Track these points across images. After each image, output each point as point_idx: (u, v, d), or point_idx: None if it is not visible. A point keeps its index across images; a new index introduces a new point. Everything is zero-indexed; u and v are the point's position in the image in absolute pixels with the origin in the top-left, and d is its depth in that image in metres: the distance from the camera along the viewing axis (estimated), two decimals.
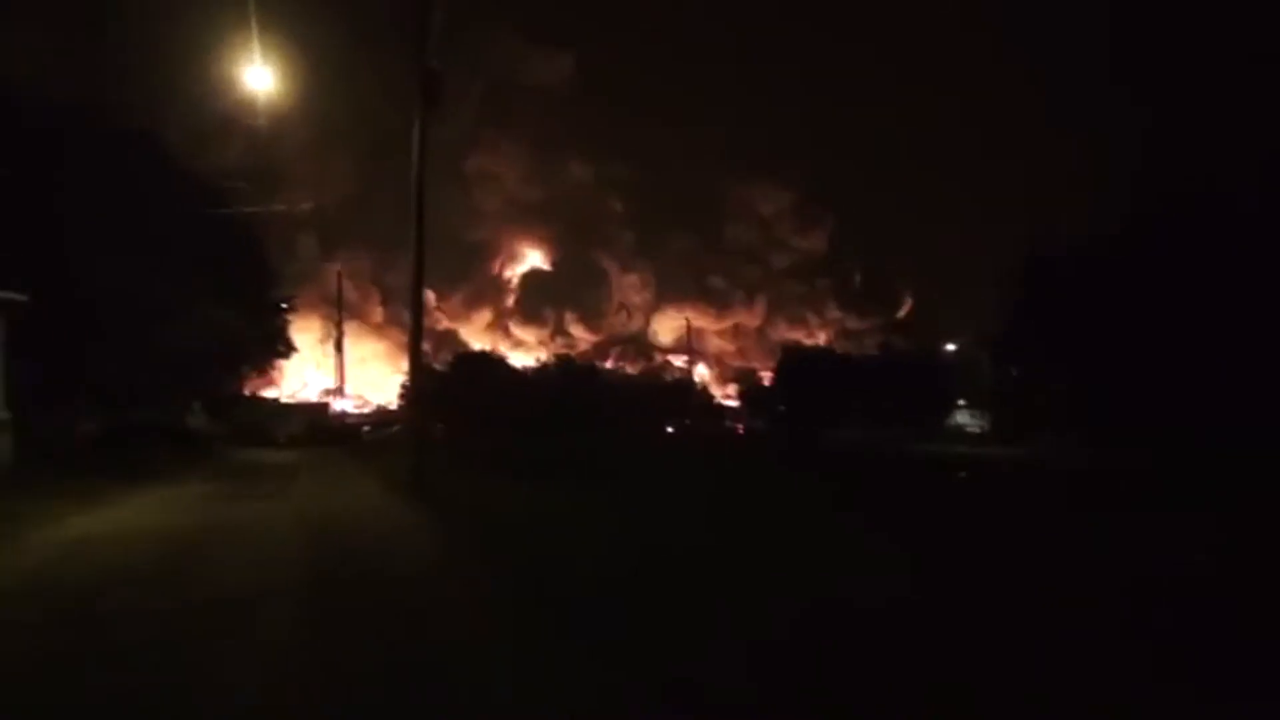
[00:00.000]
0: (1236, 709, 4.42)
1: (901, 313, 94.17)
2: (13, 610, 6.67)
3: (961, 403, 56.15)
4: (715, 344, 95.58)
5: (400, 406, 52.12)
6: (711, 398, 74.27)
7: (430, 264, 18.77)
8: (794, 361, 60.00)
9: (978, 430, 51.51)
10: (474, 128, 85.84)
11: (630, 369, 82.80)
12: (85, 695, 4.66)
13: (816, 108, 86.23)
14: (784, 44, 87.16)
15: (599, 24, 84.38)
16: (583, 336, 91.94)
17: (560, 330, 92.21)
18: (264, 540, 10.63)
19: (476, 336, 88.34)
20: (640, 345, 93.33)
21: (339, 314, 57.32)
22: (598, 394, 54.02)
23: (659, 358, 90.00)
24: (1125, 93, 72.60)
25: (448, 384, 47.25)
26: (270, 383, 56.66)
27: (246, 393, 46.22)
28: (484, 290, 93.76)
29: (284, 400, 60.57)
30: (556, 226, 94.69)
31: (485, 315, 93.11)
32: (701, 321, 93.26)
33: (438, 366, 53.25)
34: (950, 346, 61.15)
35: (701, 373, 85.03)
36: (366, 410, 67.31)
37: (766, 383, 66.85)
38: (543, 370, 60.56)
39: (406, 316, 20.26)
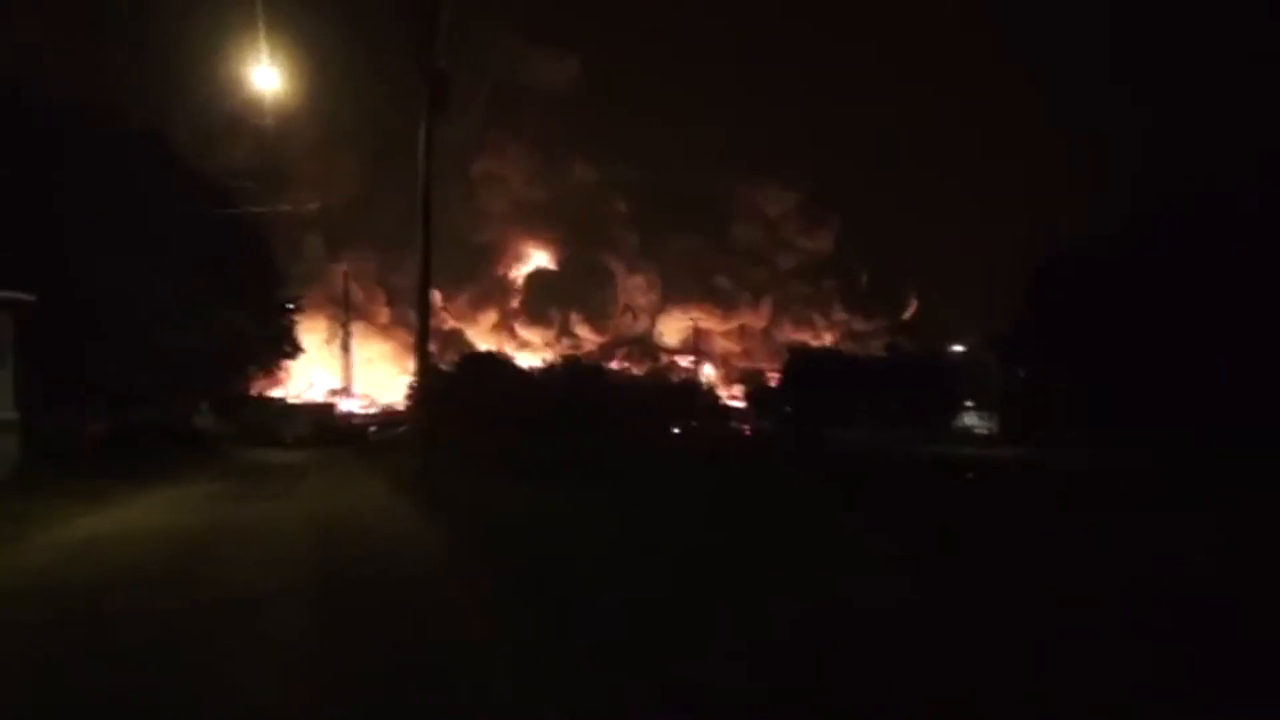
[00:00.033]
0: (1237, 709, 4.43)
1: (907, 314, 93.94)
2: (20, 610, 6.71)
3: (969, 404, 56.02)
4: (721, 345, 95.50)
5: (407, 407, 52.20)
6: (718, 398, 74.19)
7: (436, 265, 18.84)
8: (801, 362, 59.93)
9: (985, 432, 51.41)
10: (480, 130, 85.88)
11: (636, 370, 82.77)
12: (92, 696, 4.70)
13: (820, 108, 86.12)
14: (786, 44, 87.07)
15: (603, 25, 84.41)
16: (588, 337, 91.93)
17: (566, 331, 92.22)
18: (271, 541, 10.68)
19: (482, 337, 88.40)
20: (646, 346, 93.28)
21: (346, 314, 57.42)
22: (604, 395, 54.01)
23: (664, 358, 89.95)
24: (1125, 93, 72.50)
25: (454, 384, 47.29)
26: (277, 383, 56.78)
27: (253, 393, 46.34)
28: (490, 291, 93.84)
29: (291, 401, 60.67)
30: (562, 228, 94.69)
31: (491, 316, 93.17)
32: (707, 322, 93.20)
33: (444, 367, 53.30)
34: (957, 348, 61.03)
35: (708, 373, 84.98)
36: (373, 410, 67.44)
37: (773, 384, 66.79)
38: (549, 371, 60.59)
39: (412, 317, 20.32)
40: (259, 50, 19.97)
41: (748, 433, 60.82)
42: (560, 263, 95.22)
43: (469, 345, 79.75)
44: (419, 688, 4.77)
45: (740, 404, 72.50)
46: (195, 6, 51.84)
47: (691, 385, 70.64)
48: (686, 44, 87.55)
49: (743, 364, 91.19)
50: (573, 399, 49.49)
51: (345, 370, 59.09)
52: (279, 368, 44.27)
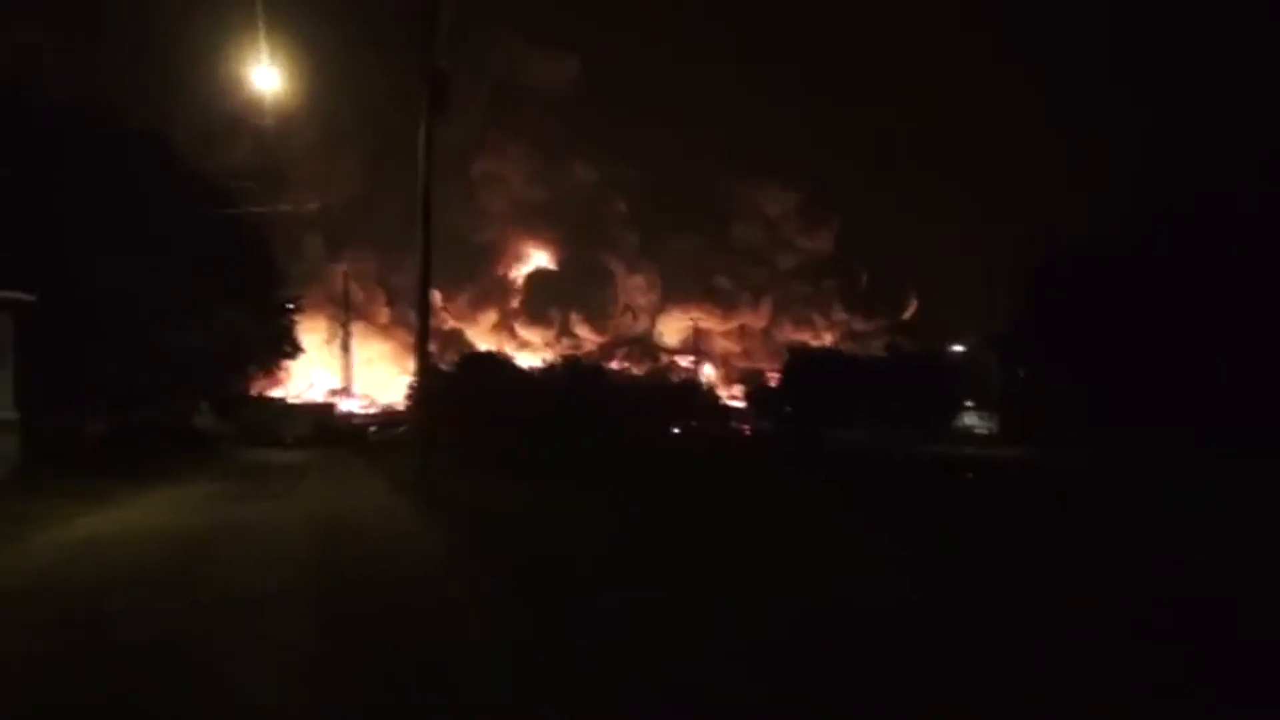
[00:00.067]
0: (1237, 710, 4.42)
1: (907, 314, 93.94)
2: (20, 610, 6.71)
3: (969, 404, 56.03)
4: (721, 345, 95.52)
5: (407, 407, 52.23)
6: (718, 398, 74.19)
7: (436, 265, 18.85)
8: (801, 362, 59.94)
9: (985, 432, 51.42)
10: (480, 130, 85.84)
11: (636, 370, 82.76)
12: (91, 696, 4.70)
13: (819, 108, 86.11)
14: (787, 44, 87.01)
15: (603, 25, 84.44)
16: (588, 337, 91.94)
17: (566, 331, 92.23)
18: (271, 541, 10.69)
19: (482, 337, 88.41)
20: (645, 346, 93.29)
21: (346, 315, 57.42)
22: (604, 395, 54.01)
23: (664, 358, 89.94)
24: (1125, 93, 72.54)
25: (454, 384, 47.29)
26: (277, 383, 56.80)
27: (253, 393, 46.35)
28: (490, 291, 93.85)
29: (291, 401, 60.69)
30: (562, 228, 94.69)
31: (491, 316, 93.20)
32: (707, 322, 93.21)
33: (444, 367, 53.31)
34: (957, 348, 61.05)
35: (708, 373, 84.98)
36: (373, 411, 67.46)
37: (773, 384, 66.79)
38: (549, 371, 60.59)
39: (412, 317, 20.33)
40: (259, 50, 19.96)
41: (748, 433, 60.81)
42: (560, 263, 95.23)
43: (469, 345, 79.76)
44: (418, 687, 4.77)
45: (740, 404, 72.50)
46: (195, 6, 51.88)
47: (692, 385, 70.62)
48: (686, 44, 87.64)
49: (742, 364, 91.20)
50: (573, 399, 49.49)
51: (345, 370, 59.06)
52: (279, 368, 44.29)
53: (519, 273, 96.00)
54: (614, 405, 51.64)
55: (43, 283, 18.22)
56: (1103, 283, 26.36)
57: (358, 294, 76.92)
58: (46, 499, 13.50)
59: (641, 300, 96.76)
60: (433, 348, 20.98)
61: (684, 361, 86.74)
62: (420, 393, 21.33)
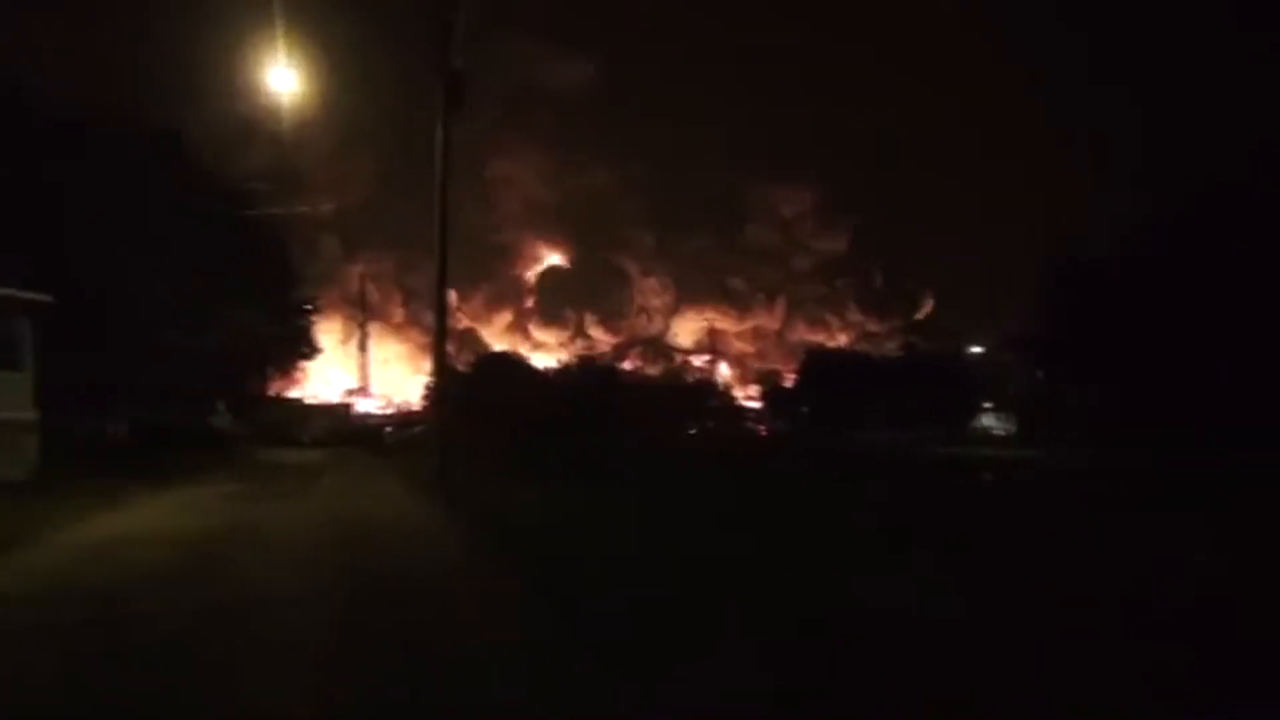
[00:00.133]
0: (1237, 710, 4.39)
1: (921, 314, 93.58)
2: (37, 612, 6.65)
3: (988, 405, 55.73)
4: (735, 346, 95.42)
5: (424, 407, 52.36)
6: (733, 399, 74.04)
7: (452, 265, 18.78)
8: (818, 363, 59.76)
9: (1003, 433, 51.11)
10: (494, 131, 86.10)
11: (650, 370, 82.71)
12: (106, 699, 4.63)
13: (834, 110, 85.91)
14: (802, 46, 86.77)
15: (617, 26, 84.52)
16: (602, 338, 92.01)
17: (580, 332, 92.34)
18: (289, 542, 10.62)
19: (497, 337, 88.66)
20: (659, 347, 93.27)
21: (363, 315, 57.69)
22: (619, 395, 53.97)
23: (679, 359, 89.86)
24: (1141, 92, 72.14)
25: (470, 385, 47.35)
26: (294, 383, 57.03)
27: (271, 394, 46.55)
28: (505, 291, 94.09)
29: (308, 401, 60.94)
30: (576, 229, 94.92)
31: (506, 316, 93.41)
32: (722, 323, 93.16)
33: (460, 367, 53.39)
34: (976, 349, 60.79)
35: (723, 373, 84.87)
36: (389, 411, 67.68)
37: (788, 384, 66.63)
38: (564, 371, 60.61)
39: (428, 317, 20.28)
40: (276, 53, 19.98)
41: (764, 433, 60.66)
42: (575, 264, 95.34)
43: (483, 345, 79.97)
44: (428, 686, 4.70)
45: (755, 404, 72.34)
46: (212, 9, 52.14)
47: (708, 386, 70.52)
48: (701, 45, 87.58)
49: (757, 364, 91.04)
50: (588, 399, 49.46)
51: (362, 370, 59.28)
52: (296, 368, 44.48)
53: (534, 274, 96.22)
54: (629, 406, 51.58)
55: (64, 285, 18.30)
56: (1119, 285, 26.21)
57: (374, 294, 77.29)
58: (65, 499, 13.51)
59: (656, 301, 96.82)
60: (449, 348, 20.92)
61: (698, 361, 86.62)
62: (437, 393, 21.29)
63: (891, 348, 73.57)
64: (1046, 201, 66.79)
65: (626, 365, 79.69)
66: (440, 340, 19.38)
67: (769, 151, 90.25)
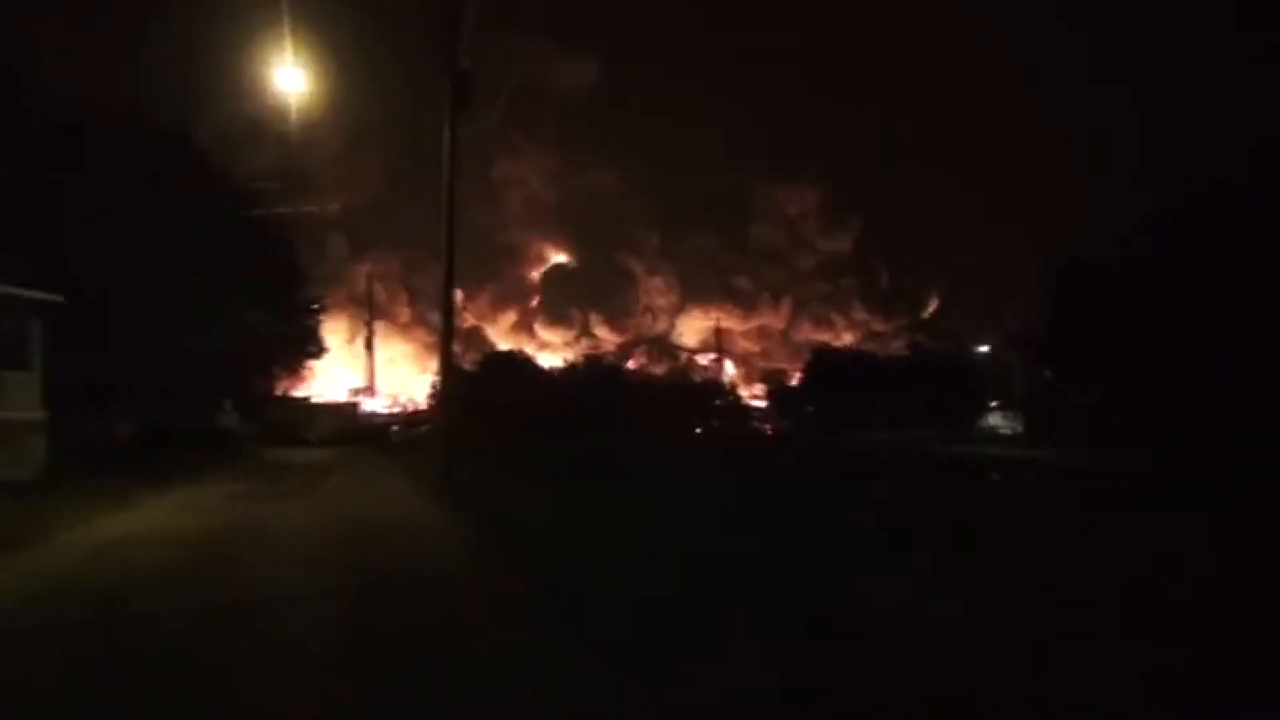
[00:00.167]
0: (1237, 710, 4.40)
1: (926, 313, 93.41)
2: (42, 612, 6.70)
3: (994, 404, 55.61)
4: (741, 345, 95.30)
5: (430, 406, 52.36)
6: (739, 398, 73.96)
7: (458, 264, 18.82)
8: (824, 362, 59.68)
9: (1010, 432, 50.98)
10: (500, 131, 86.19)
11: (656, 369, 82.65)
12: (109, 699, 4.67)
13: (835, 109, 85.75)
14: (807, 45, 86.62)
15: (618, 26, 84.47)
16: (607, 338, 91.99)
17: (585, 331, 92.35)
18: (295, 541, 10.66)
19: (502, 336, 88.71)
20: (664, 346, 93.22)
21: (370, 314, 57.70)
22: (625, 394, 53.93)
23: (684, 358, 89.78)
24: (1124, 92, 72.00)
25: (476, 384, 47.38)
26: (301, 382, 57.13)
27: (278, 393, 46.65)
28: (510, 291, 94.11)
29: (314, 400, 61.03)
30: (581, 228, 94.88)
31: (511, 316, 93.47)
32: (727, 322, 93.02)
33: (466, 366, 53.43)
34: (982, 348, 60.68)
35: (730, 371, 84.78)
36: (395, 410, 67.72)
37: (794, 383, 66.54)
38: (571, 370, 60.58)
39: (434, 317, 20.31)
40: (284, 52, 20.05)
41: (770, 432, 60.60)
42: (580, 263, 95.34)
43: (489, 344, 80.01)
44: (433, 686, 4.73)
45: (761, 403, 72.24)
46: (221, 9, 52.27)
47: (714, 385, 70.44)
48: (701, 46, 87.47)
49: (762, 363, 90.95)
50: (593, 399, 49.44)
51: (369, 370, 59.34)
52: (304, 367, 44.57)
53: (540, 273, 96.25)
54: (635, 405, 51.54)
55: (62, 285, 18.37)
56: (1119, 285, 26.19)
57: (380, 294, 77.30)
58: (72, 498, 13.60)
59: (661, 300, 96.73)
60: (455, 348, 20.87)
61: (703, 360, 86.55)
62: (443, 392, 21.34)
63: (897, 347, 73.39)
64: (1046, 201, 66.63)
65: (631, 364, 79.66)
66: (447, 339, 19.41)
67: (771, 151, 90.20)
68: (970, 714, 4.33)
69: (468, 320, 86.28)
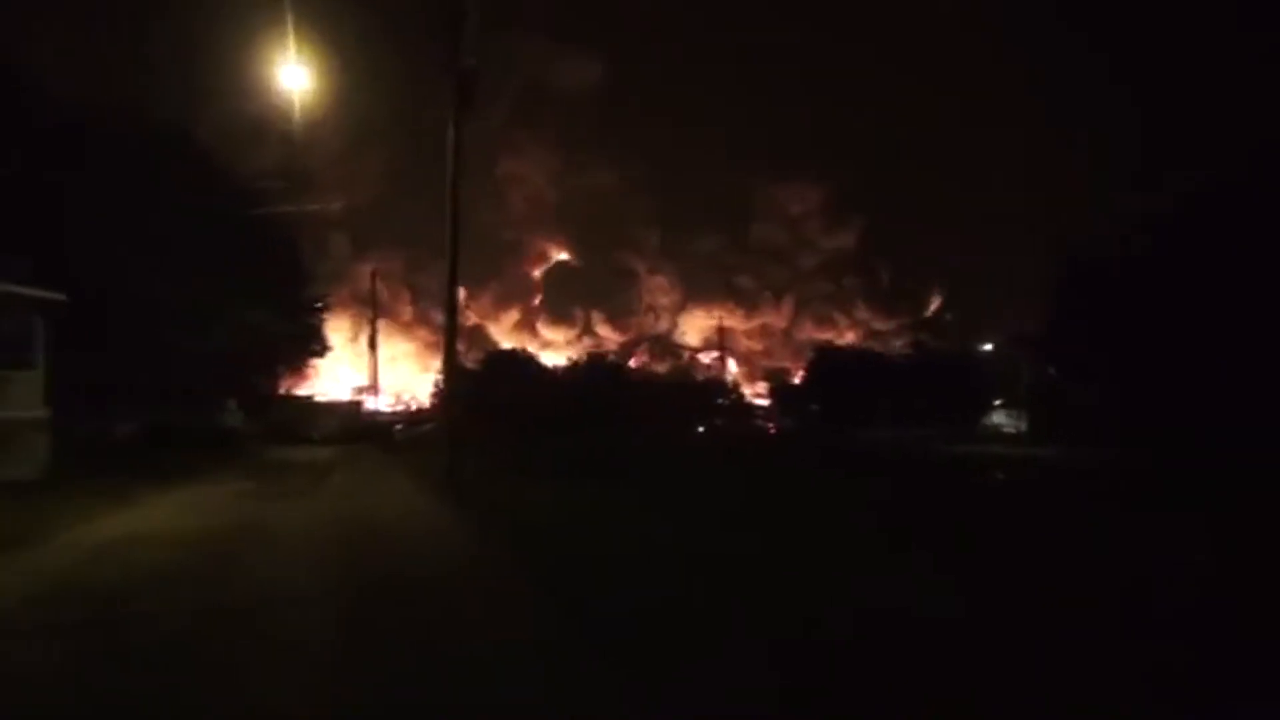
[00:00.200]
0: (1237, 710, 4.41)
1: (929, 312, 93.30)
2: (42, 612, 6.71)
3: (998, 403, 55.54)
4: (743, 344, 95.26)
5: (433, 404, 52.36)
6: (742, 397, 73.92)
7: (461, 263, 18.82)
8: (827, 361, 59.64)
9: (1014, 431, 50.90)
10: (504, 130, 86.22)
11: (658, 368, 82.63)
12: (109, 699, 4.67)
13: (835, 109, 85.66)
14: (810, 45, 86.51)
15: (619, 26, 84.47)
16: (610, 336, 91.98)
17: (588, 330, 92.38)
18: (297, 540, 10.66)
19: (505, 335, 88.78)
20: (667, 345, 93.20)
21: (374, 313, 57.68)
22: (627, 393, 53.91)
23: (687, 356, 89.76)
24: (1124, 92, 71.92)
25: (479, 382, 47.38)
26: (304, 380, 57.16)
27: (281, 391, 46.68)
28: (513, 289, 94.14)
29: (318, 399, 61.04)
30: (584, 227, 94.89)
31: (514, 314, 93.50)
32: (729, 321, 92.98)
33: (469, 365, 53.43)
34: (986, 346, 60.63)
35: (732, 370, 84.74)
36: (398, 408, 67.70)
37: (796, 382, 66.54)
38: (573, 369, 60.57)
39: (437, 316, 20.33)
40: (287, 51, 20.06)
41: (773, 431, 60.56)
42: (582, 262, 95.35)
43: (492, 342, 80.00)
44: (433, 686, 4.74)
45: (764, 402, 72.21)
46: (222, 8, 52.29)
47: (717, 384, 70.43)
48: (702, 46, 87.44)
49: (765, 362, 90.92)
50: (596, 397, 49.42)
51: (372, 368, 59.32)
52: (307, 366, 44.58)
53: (542, 272, 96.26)
54: (637, 403, 51.52)
55: (62, 284, 18.38)
56: (1119, 285, 26.16)
57: (383, 293, 77.25)
58: (73, 498, 13.60)
59: (663, 299, 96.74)
60: (458, 346, 20.87)
61: (706, 359, 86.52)
62: (446, 391, 21.35)
63: (899, 345, 73.36)
64: (1047, 201, 66.56)
65: (634, 363, 79.63)
66: (450, 338, 19.41)
67: (772, 151, 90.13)
68: (970, 714, 4.34)
69: (470, 319, 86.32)
